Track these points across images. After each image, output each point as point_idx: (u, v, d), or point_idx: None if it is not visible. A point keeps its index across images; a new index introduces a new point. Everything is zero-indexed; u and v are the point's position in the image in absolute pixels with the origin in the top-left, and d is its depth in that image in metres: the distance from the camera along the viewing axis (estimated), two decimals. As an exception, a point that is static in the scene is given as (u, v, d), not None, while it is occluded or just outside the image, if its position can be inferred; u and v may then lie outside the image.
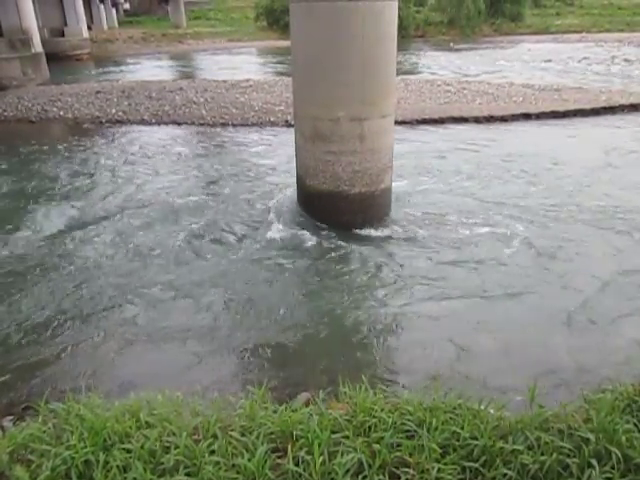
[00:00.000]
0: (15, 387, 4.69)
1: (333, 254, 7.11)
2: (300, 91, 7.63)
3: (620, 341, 5.26)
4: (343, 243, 7.36)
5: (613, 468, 2.34)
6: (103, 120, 15.42)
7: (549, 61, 27.52)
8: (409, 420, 2.63)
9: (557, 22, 47.64)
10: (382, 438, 2.48)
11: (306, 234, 7.65)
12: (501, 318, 5.70)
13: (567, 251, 7.09)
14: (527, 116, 14.62)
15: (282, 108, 15.56)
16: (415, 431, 2.57)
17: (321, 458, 2.34)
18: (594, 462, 2.35)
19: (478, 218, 8.10)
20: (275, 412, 2.76)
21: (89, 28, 39.46)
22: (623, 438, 2.45)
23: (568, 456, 2.41)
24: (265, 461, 2.36)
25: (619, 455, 2.37)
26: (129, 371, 4.96)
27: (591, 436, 2.48)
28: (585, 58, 28.25)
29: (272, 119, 14.72)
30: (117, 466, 2.33)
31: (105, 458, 2.38)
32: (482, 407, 2.76)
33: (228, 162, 11.51)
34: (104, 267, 6.87)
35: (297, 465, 2.37)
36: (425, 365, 4.93)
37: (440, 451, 2.44)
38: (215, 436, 2.54)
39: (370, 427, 2.60)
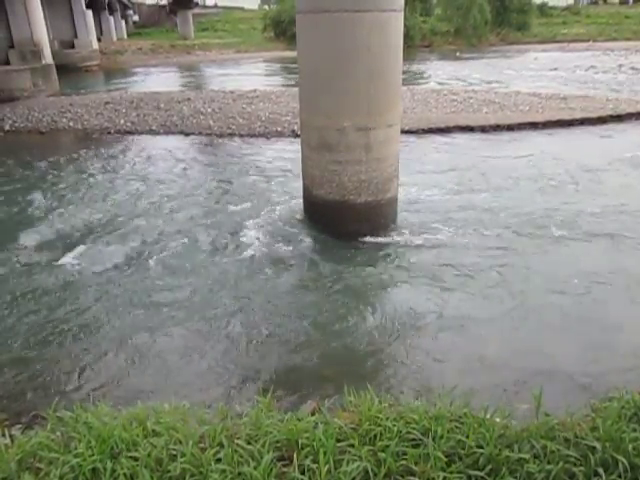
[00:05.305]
0: (23, 396, 4.72)
1: (338, 262, 7.11)
2: (306, 101, 7.68)
3: None
4: (348, 252, 7.37)
5: (620, 477, 2.33)
6: (112, 131, 15.57)
7: (556, 69, 27.56)
8: (414, 429, 2.63)
9: (564, 31, 47.77)
10: (387, 447, 2.49)
11: (311, 243, 7.68)
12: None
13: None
14: (534, 125, 14.61)
15: (288, 118, 15.64)
16: (420, 440, 2.57)
17: (327, 466, 2.35)
18: (600, 471, 2.34)
19: (484, 226, 8.10)
20: (281, 421, 2.76)
21: (99, 40, 40.01)
22: (630, 446, 2.44)
23: (574, 465, 2.41)
24: (271, 469, 2.37)
25: (626, 464, 2.36)
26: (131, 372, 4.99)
27: (597, 445, 2.47)
28: (592, 66, 28.25)
29: (278, 129, 14.80)
30: (124, 474, 2.36)
31: (112, 466, 2.41)
32: (487, 415, 2.75)
33: (232, 171, 11.57)
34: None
35: (303, 473, 2.38)
36: (432, 374, 4.93)
37: (445, 460, 2.44)
38: (221, 444, 2.56)
39: (375, 436, 2.60)
